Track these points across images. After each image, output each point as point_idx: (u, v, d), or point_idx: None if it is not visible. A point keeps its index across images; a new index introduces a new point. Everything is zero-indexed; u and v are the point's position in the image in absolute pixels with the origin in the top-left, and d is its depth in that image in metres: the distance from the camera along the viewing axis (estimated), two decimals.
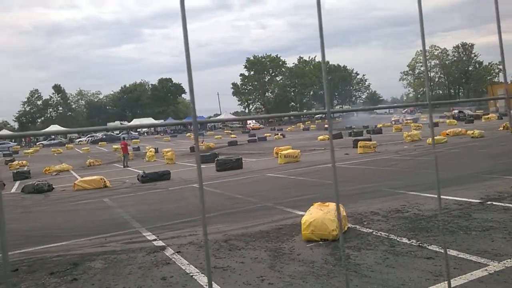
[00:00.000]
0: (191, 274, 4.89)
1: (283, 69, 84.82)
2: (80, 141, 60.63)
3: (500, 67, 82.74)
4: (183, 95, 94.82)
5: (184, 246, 6.12)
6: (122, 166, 23.15)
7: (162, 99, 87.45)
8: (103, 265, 5.57)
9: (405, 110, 70.26)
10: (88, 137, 63.94)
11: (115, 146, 38.92)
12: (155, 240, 6.67)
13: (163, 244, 6.35)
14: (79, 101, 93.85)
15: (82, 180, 14.98)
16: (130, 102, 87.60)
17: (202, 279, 4.70)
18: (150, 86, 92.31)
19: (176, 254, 5.75)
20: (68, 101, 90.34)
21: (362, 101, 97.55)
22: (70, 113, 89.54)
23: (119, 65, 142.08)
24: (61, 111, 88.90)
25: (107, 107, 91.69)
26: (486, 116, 43.37)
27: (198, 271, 4.98)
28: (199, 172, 0.88)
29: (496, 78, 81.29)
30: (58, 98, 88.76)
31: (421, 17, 1.00)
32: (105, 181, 14.68)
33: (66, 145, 54.06)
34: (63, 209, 11.06)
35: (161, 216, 8.76)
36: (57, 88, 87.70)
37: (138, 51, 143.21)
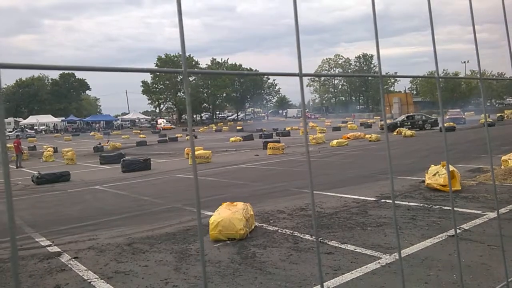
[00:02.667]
0: (89, 281, 4.56)
1: (196, 69, 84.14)
2: None
3: (395, 78, 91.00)
4: (87, 92, 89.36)
5: (82, 251, 5.70)
6: (15, 167, 21.09)
7: (63, 95, 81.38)
8: None
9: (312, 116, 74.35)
10: None
11: (8, 145, 35.28)
12: (49, 245, 6.12)
13: (59, 249, 5.85)
14: None
15: None
16: (26, 97, 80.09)
17: (101, 285, 4.41)
18: (50, 80, 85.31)
19: (73, 260, 5.33)
20: None
21: (272, 104, 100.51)
22: None
23: (14, 56, 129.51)
24: None
25: None
26: (383, 122, 47.20)
27: (97, 276, 4.67)
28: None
29: (392, 87, 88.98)
30: None
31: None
32: None
33: None
34: None
35: (58, 220, 8.09)
36: None
37: (37, 43, 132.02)
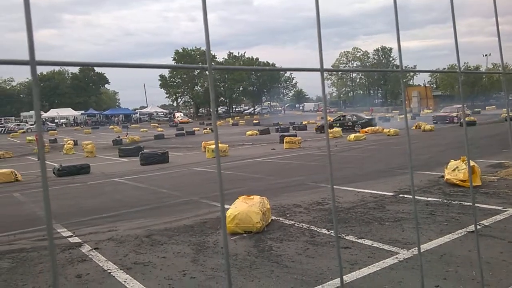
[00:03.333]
0: (109, 271, 4.66)
1: (213, 63, 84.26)
2: None
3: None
4: (106, 86, 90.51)
5: (102, 242, 5.82)
6: (37, 159, 21.54)
7: (83, 89, 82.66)
8: (10, 264, 5.11)
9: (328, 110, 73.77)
10: None
11: (29, 138, 36.08)
12: (70, 236, 6.27)
13: (80, 240, 5.99)
14: None
15: None
16: (47, 91, 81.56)
17: (121, 276, 4.50)
18: (70, 74, 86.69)
19: (93, 250, 5.45)
20: None
21: (289, 98, 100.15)
22: None
23: (36, 50, 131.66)
24: None
25: (21, 96, 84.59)
26: (402, 116, 46.72)
27: (117, 267, 4.76)
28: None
29: (411, 81, 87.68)
30: None
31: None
32: (16, 175, 13.54)
33: None
34: None
35: (78, 211, 8.27)
36: None
37: (57, 38, 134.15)
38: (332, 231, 5.65)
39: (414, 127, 27.86)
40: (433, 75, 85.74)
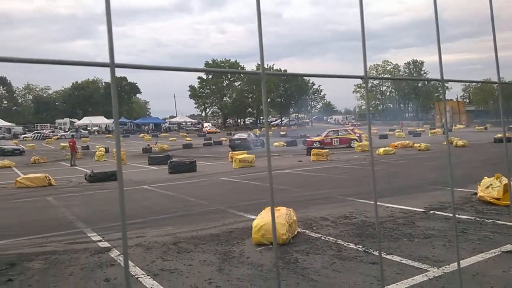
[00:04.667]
0: (136, 276, 4.73)
1: (241, 74, 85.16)
2: (25, 137, 57.45)
3: (447, 85, 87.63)
4: (138, 95, 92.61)
5: (130, 247, 5.92)
6: (69, 165, 22.22)
7: None
8: (42, 265, 5.28)
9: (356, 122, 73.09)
10: (34, 133, 60.90)
11: (62, 144, 37.27)
12: (100, 241, 6.41)
13: (109, 245, 6.12)
14: (26, 95, 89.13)
15: (25, 177, 14.21)
16: (81, 99, 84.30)
17: (148, 281, 4.56)
18: (103, 84, 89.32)
19: (122, 255, 5.55)
20: (14, 95, 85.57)
21: (317, 110, 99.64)
22: (15, 107, 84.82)
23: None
24: (5, 105, 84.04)
25: (56, 103, 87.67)
26: (433, 131, 45.71)
27: (144, 273, 4.83)
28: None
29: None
30: (3, 91, 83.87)
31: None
32: (49, 179, 14.01)
33: (10, 140, 51.07)
34: (2, 206, 10.42)
35: (108, 217, 8.46)
36: (2, 81, 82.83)
37: (92, 48, 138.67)
38: (360, 246, 5.56)
39: (445, 143, 27.14)
40: (466, 89, 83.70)
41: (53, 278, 4.80)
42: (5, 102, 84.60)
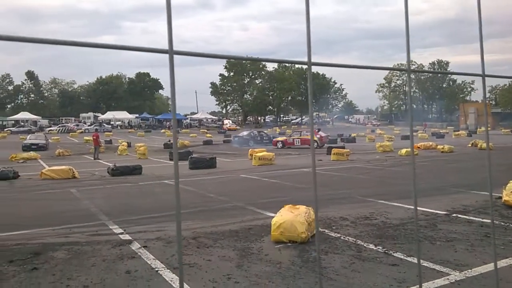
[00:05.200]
0: (156, 269, 4.81)
1: (263, 72, 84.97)
2: (51, 130, 58.83)
3: (473, 86, 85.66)
4: (160, 91, 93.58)
5: (151, 241, 6.02)
6: (93, 158, 22.66)
7: (138, 93, 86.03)
8: (66, 255, 5.41)
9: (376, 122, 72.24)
10: (59, 126, 62.34)
11: (86, 138, 38.03)
12: (121, 233, 6.53)
13: (130, 238, 6.23)
14: (52, 89, 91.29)
15: (50, 169, 14.56)
16: (105, 94, 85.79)
17: (168, 275, 4.63)
18: (127, 79, 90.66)
19: (143, 248, 5.64)
20: (41, 88, 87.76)
21: (338, 109, 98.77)
22: (42, 101, 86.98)
23: (96, 55, 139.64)
24: (32, 98, 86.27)
25: (81, 98, 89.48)
26: (457, 133, 44.79)
27: (164, 266, 4.90)
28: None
29: (468, 96, 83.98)
30: (30, 85, 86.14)
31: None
32: (73, 172, 14.32)
33: (35, 133, 52.42)
34: (28, 197, 10.71)
35: (130, 210, 8.60)
36: (30, 75, 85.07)
37: (116, 43, 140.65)
38: (380, 247, 5.50)
39: (469, 145, 26.57)
40: (492, 91, 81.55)
41: (76, 268, 4.92)
42: (32, 95, 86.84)
